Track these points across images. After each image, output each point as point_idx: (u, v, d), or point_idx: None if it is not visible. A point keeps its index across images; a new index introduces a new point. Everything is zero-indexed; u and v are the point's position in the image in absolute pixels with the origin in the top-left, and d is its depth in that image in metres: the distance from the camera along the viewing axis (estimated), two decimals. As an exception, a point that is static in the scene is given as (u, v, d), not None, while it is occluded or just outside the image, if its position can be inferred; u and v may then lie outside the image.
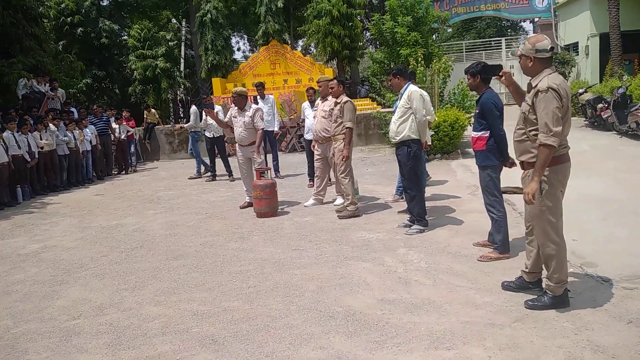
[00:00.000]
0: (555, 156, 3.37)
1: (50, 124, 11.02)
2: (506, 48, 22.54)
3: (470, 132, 5.09)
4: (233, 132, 7.65)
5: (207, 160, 11.15)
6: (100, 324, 3.88)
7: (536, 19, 22.76)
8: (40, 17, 15.88)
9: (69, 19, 21.16)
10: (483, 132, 4.62)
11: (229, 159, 10.89)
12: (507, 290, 3.86)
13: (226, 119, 7.73)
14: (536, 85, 3.39)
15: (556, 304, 3.50)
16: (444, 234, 5.53)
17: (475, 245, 5.00)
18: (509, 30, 33.60)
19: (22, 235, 7.06)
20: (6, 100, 13.29)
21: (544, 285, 3.66)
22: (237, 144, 7.59)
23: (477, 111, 4.68)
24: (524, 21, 31.84)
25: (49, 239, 6.75)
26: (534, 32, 24.53)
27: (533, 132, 3.42)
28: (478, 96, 4.73)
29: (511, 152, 4.17)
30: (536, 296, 3.64)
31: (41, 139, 10.58)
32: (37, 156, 10.37)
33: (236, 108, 7.44)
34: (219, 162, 10.92)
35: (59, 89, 14.13)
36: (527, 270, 3.80)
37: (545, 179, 3.39)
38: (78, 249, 6.12)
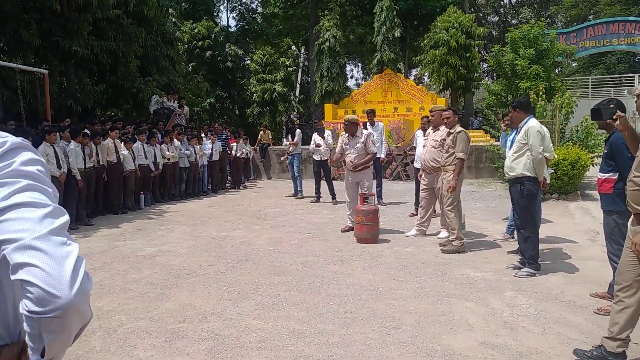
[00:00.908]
0: None
1: (175, 139, 11.95)
2: (639, 85, 20.79)
3: (592, 173, 4.72)
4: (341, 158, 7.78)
5: (307, 182, 11.40)
6: (203, 330, 4.05)
7: (678, 55, 20.79)
8: (175, 41, 17.44)
9: (199, 42, 22.97)
10: (611, 174, 4.26)
11: (334, 182, 11.06)
12: (579, 359, 3.36)
13: (337, 149, 7.83)
14: None
15: None
16: (557, 280, 5.13)
17: (592, 295, 4.58)
18: (642, 66, 30.98)
19: (141, 239, 7.65)
20: (139, 114, 14.67)
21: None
22: (346, 169, 7.68)
23: (606, 151, 4.33)
24: (663, 57, 29.20)
25: (164, 244, 7.24)
26: (674, 69, 22.42)
27: None
28: (607, 135, 4.39)
29: None
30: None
31: (167, 151, 11.50)
32: (161, 167, 11.26)
33: (347, 134, 7.55)
34: (323, 184, 11.11)
35: (185, 106, 15.32)
36: (611, 335, 3.26)
37: None
38: (189, 255, 6.50)
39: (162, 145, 11.49)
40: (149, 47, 14.91)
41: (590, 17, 30.94)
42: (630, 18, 22.09)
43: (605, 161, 4.34)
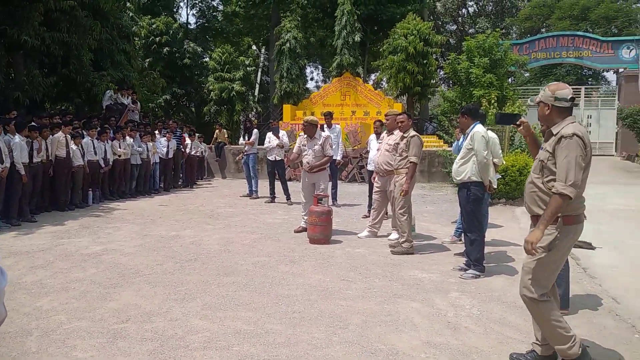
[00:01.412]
0: (576, 215, 3.18)
1: (127, 135, 11.66)
2: (585, 97, 21.71)
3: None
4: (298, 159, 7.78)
5: (261, 182, 11.33)
6: (146, 330, 3.97)
7: (621, 70, 21.78)
8: (132, 36, 17.02)
9: (157, 38, 22.50)
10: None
11: (290, 183, 11.05)
12: None
13: (295, 150, 7.80)
14: (558, 132, 3.15)
15: None
16: (500, 282, 5.29)
17: (532, 297, 4.74)
18: (589, 80, 32.34)
19: (87, 237, 7.42)
20: (91, 109, 14.23)
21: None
22: (303, 170, 7.68)
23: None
24: (607, 71, 30.64)
25: (111, 242, 7.05)
26: (617, 83, 23.51)
27: (552, 183, 3.14)
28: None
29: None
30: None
31: (119, 148, 11.20)
32: (111, 163, 10.96)
33: (305, 136, 7.55)
34: (278, 185, 11.07)
35: (137, 101, 14.95)
36: (539, 342, 3.43)
37: (559, 237, 3.15)
38: (136, 255, 6.34)
39: (114, 142, 11.19)
40: (104, 41, 14.47)
41: (543, 30, 32.16)
42: (579, 33, 23.09)
43: None
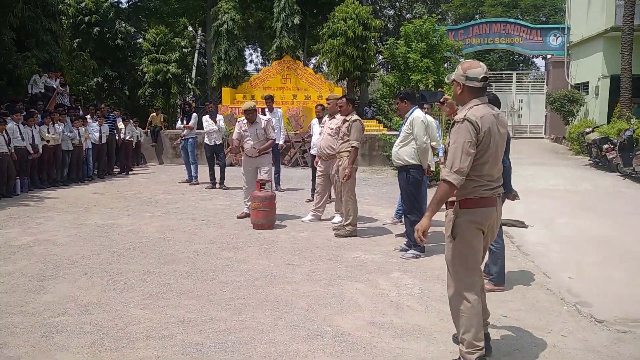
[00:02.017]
0: (476, 198, 2.98)
1: (57, 120, 11.05)
2: (517, 82, 22.64)
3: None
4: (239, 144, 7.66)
5: (201, 167, 11.11)
6: (85, 323, 3.82)
7: (549, 56, 22.85)
8: (58, 14, 16.06)
9: (86, 17, 21.36)
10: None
11: (229, 168, 10.90)
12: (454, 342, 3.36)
13: (235, 135, 7.67)
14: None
15: None
16: (440, 261, 5.46)
17: (470, 275, 4.93)
18: (520, 65, 33.75)
19: (16, 227, 7.02)
20: (16, 93, 13.36)
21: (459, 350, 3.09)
22: (244, 155, 7.56)
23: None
24: (537, 57, 32.07)
25: (42, 232, 6.70)
26: (545, 69, 24.67)
27: None
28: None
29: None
30: None
31: (47, 133, 10.61)
32: (40, 150, 10.38)
33: (245, 121, 7.42)
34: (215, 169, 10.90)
35: (66, 84, 14.19)
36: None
37: (457, 222, 3.01)
38: (70, 245, 6.07)
39: (42, 127, 10.58)
40: (27, 19, 13.59)
41: (477, 16, 33.12)
42: (510, 20, 23.95)
43: None
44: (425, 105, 6.76)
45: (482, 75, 2.99)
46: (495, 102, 4.62)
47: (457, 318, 3.08)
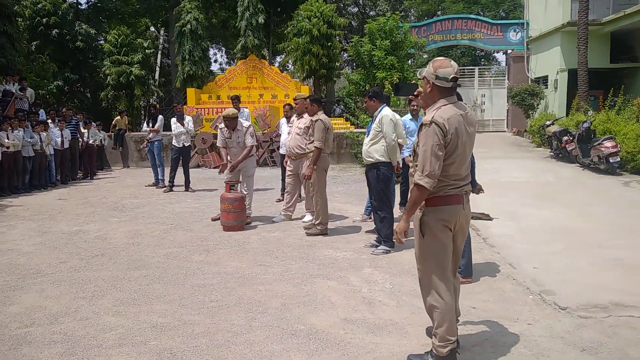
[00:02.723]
0: (441, 196, 3.02)
1: (17, 125, 10.74)
2: (479, 77, 23.10)
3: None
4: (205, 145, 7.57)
5: (167, 170, 10.92)
6: (54, 332, 3.75)
7: (509, 51, 23.40)
8: (14, 16, 15.58)
9: (44, 19, 20.81)
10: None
11: (197, 170, 10.78)
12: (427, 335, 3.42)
13: (219, 143, 7.52)
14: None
15: None
16: (409, 255, 5.54)
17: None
18: (482, 60, 34.47)
19: (-22, 237, 6.81)
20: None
21: (432, 343, 3.15)
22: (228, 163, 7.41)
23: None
24: (498, 52, 32.76)
25: (5, 242, 6.52)
26: (506, 64, 25.24)
27: None
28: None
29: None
30: (423, 352, 3.21)
31: (7, 139, 10.30)
32: (0, 158, 10.07)
33: (226, 129, 7.31)
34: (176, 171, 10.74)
35: (28, 89, 13.80)
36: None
37: (424, 220, 3.06)
38: (36, 254, 5.93)
39: (1, 132, 10.26)
40: (-19, 22, 13.17)
41: (439, 12, 33.64)
42: (471, 16, 24.42)
43: None
44: (414, 103, 6.75)
45: (452, 76, 2.98)
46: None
47: (430, 312, 3.13)
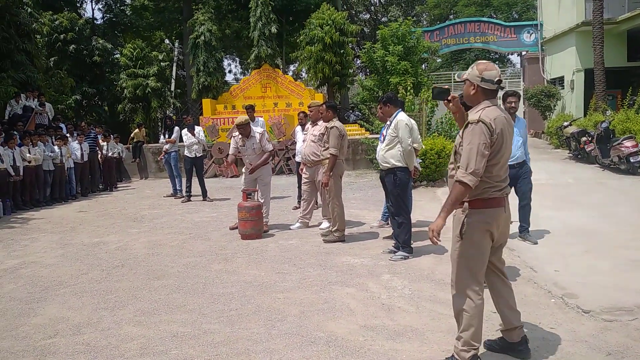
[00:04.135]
0: (484, 198, 3.03)
1: (38, 140, 10.95)
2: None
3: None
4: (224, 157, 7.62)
5: (184, 180, 11.04)
6: (77, 343, 3.80)
7: (523, 53, 23.24)
8: (33, 33, 15.93)
9: (62, 36, 21.25)
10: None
11: (214, 179, 10.85)
12: (489, 350, 3.39)
13: (231, 151, 7.61)
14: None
15: None
16: (428, 261, 5.53)
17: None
18: (496, 63, 34.27)
19: (0, 251, 6.93)
20: (-8, 114, 13.22)
21: (454, 347, 3.14)
22: (245, 170, 7.49)
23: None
24: (512, 54, 32.54)
25: (28, 254, 6.63)
26: (520, 66, 25.04)
27: None
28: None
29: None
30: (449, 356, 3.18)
31: (28, 154, 10.50)
32: (22, 172, 10.27)
33: (240, 136, 7.39)
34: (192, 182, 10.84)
35: (47, 103, 14.08)
36: (503, 328, 3.34)
37: (467, 222, 3.04)
38: (58, 266, 6.02)
39: (22, 147, 10.47)
40: (1, 40, 13.45)
41: (451, 16, 33.58)
42: (484, 19, 24.36)
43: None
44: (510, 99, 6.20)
45: (497, 78, 3.04)
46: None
47: (458, 316, 3.11)
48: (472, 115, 3.04)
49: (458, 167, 3.02)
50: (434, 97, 3.54)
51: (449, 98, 3.40)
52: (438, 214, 3.05)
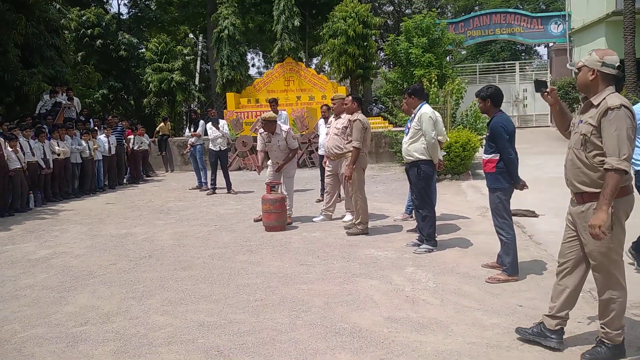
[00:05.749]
0: (626, 185, 2.97)
1: (66, 133, 11.20)
2: (520, 71, 22.56)
3: (482, 154, 5.08)
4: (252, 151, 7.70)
5: (209, 173, 11.18)
6: (107, 331, 3.89)
7: (551, 44, 22.77)
8: (61, 29, 16.23)
9: (89, 31, 21.60)
10: (493, 155, 4.62)
11: (239, 172, 10.94)
12: (521, 336, 3.41)
13: (259, 147, 7.67)
14: (599, 103, 2.94)
15: (616, 355, 3.07)
16: (452, 254, 5.51)
17: (483, 266, 4.97)
18: (523, 54, 33.63)
19: (33, 241, 7.13)
20: (24, 109, 13.54)
21: (600, 334, 3.16)
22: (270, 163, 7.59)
23: (488, 134, 4.70)
24: (539, 46, 31.95)
25: (59, 245, 6.81)
26: (548, 57, 24.56)
27: (599, 158, 2.95)
28: (489, 119, 4.77)
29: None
30: (592, 347, 3.17)
31: (57, 147, 10.75)
32: (52, 165, 10.53)
33: (266, 132, 7.45)
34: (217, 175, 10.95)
35: (75, 97, 14.35)
36: (551, 313, 3.32)
37: (612, 210, 2.91)
38: (87, 256, 6.17)
39: (51, 141, 10.72)
40: (31, 36, 13.74)
41: (476, 8, 33.07)
42: (510, 10, 23.89)
43: (487, 143, 4.70)
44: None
45: (618, 64, 2.97)
46: (498, 94, 4.70)
47: (608, 304, 3.09)
48: (608, 100, 2.92)
49: (592, 157, 2.97)
50: (536, 89, 3.49)
51: (548, 90, 3.35)
52: (598, 208, 2.91)
